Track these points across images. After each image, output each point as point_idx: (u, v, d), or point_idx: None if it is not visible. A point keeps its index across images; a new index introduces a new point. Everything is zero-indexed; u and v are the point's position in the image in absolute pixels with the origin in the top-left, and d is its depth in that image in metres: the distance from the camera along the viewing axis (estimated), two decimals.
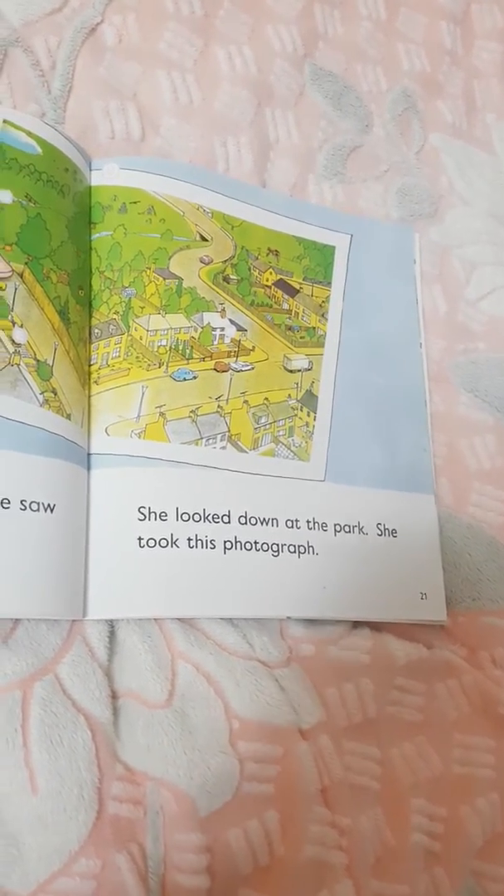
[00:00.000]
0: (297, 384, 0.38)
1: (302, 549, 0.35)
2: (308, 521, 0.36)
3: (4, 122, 0.33)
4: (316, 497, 0.37)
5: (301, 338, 0.39)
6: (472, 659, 0.38)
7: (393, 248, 0.44)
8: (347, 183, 0.45)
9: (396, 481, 0.39)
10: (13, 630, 0.30)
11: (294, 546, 0.35)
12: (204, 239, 0.38)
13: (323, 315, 0.40)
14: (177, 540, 0.33)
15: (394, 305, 0.43)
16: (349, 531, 0.37)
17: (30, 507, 0.29)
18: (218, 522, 0.34)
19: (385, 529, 0.38)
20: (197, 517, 0.33)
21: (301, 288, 0.40)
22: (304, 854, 0.31)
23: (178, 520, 0.33)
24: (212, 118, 0.41)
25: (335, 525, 0.36)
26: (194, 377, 0.35)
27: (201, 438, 0.35)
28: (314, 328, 0.40)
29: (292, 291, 0.40)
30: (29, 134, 0.34)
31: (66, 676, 0.30)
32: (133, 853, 0.29)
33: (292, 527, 0.35)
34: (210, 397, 0.35)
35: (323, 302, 0.40)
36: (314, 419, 0.38)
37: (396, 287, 0.43)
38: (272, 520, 0.35)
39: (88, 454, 0.33)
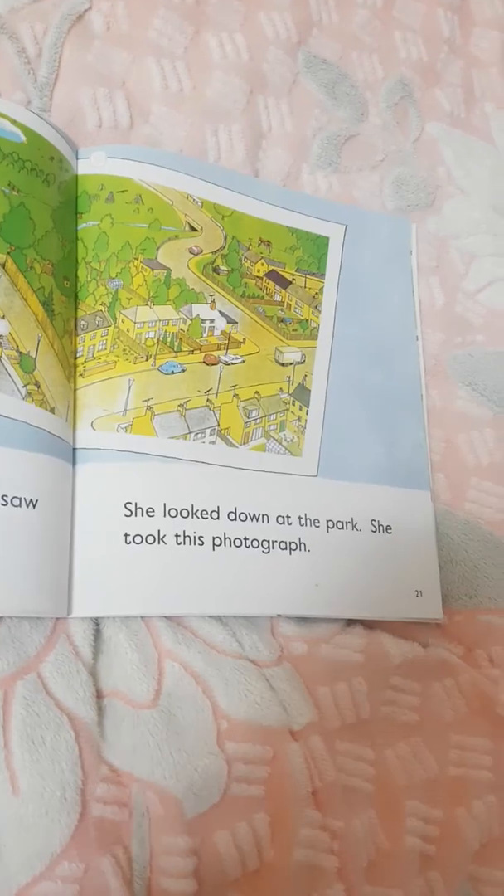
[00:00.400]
0: (289, 378, 0.37)
1: (293, 546, 0.34)
2: (300, 517, 0.35)
3: None
4: (308, 493, 0.36)
5: (293, 330, 0.38)
6: (469, 658, 0.38)
7: (389, 240, 0.43)
8: (342, 172, 0.44)
9: (392, 477, 0.38)
10: None
11: (285, 542, 0.34)
12: (193, 229, 0.37)
13: (316, 307, 0.39)
14: (164, 536, 0.32)
15: (389, 298, 0.42)
16: (342, 527, 0.36)
17: (11, 502, 0.29)
18: (207, 518, 0.33)
19: (379, 526, 0.37)
20: (185, 513, 0.33)
21: (293, 279, 0.39)
22: (295, 858, 0.30)
23: (165, 516, 0.32)
24: (203, 106, 0.40)
25: (328, 521, 0.36)
26: (183, 370, 0.35)
27: (190, 433, 0.34)
28: (307, 320, 0.39)
29: (284, 283, 0.39)
30: (13, 122, 0.33)
31: (49, 675, 0.29)
32: (118, 856, 0.28)
33: (283, 523, 0.35)
34: (199, 391, 0.35)
35: (316, 294, 0.40)
36: (306, 413, 0.37)
37: (392, 279, 0.43)
38: (262, 516, 0.34)
39: (73, 449, 0.32)
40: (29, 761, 0.28)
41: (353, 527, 0.36)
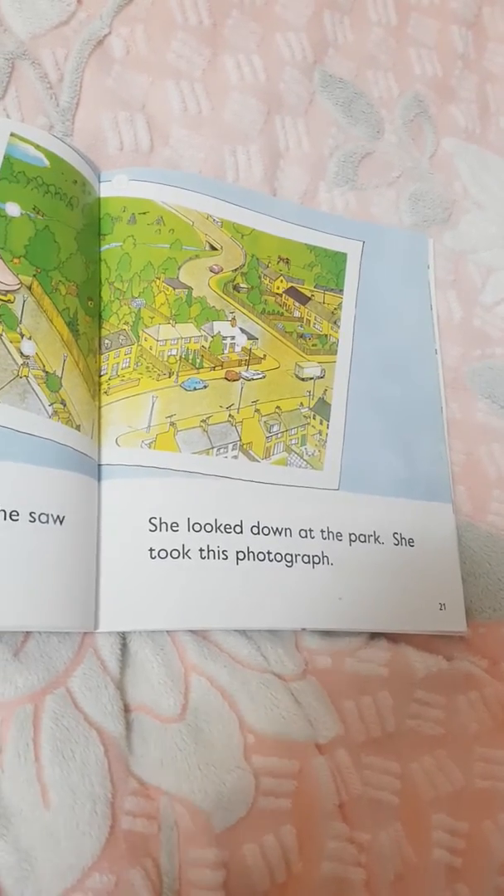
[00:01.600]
0: (310, 392, 0.38)
1: (316, 560, 0.35)
2: (322, 531, 0.35)
3: (12, 135, 0.33)
4: (330, 506, 0.36)
5: (313, 345, 0.39)
6: (494, 671, 0.38)
7: (406, 255, 0.44)
8: (359, 190, 0.44)
9: (413, 490, 0.38)
10: (24, 643, 0.30)
11: (308, 556, 0.35)
12: (213, 248, 0.38)
13: (335, 322, 0.40)
14: (188, 551, 0.32)
15: (408, 312, 0.42)
16: (365, 541, 0.36)
17: (39, 519, 0.29)
18: (230, 533, 0.33)
19: (402, 539, 0.37)
20: (209, 528, 0.33)
21: (312, 295, 0.40)
22: (322, 870, 0.31)
23: (189, 530, 0.33)
24: (221, 128, 0.41)
25: (350, 534, 0.36)
26: (205, 386, 0.35)
27: (212, 448, 0.34)
28: (326, 336, 0.39)
29: (303, 299, 0.39)
30: (37, 147, 0.34)
31: (77, 690, 0.30)
32: (147, 869, 0.28)
33: (306, 536, 0.35)
34: (221, 406, 0.35)
35: (335, 309, 0.40)
36: (327, 427, 0.37)
37: (410, 293, 0.43)
38: (285, 529, 0.34)
39: (99, 465, 0.33)
40: (59, 775, 0.28)
41: (376, 540, 0.36)
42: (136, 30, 0.40)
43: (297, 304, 0.39)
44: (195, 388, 0.35)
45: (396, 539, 0.37)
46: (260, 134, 0.42)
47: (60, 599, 0.29)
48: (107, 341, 0.34)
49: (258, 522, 0.34)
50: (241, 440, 0.35)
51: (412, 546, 0.37)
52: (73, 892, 0.27)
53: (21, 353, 0.31)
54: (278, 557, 0.34)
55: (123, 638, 0.32)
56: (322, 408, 0.38)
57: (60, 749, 0.29)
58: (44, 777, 0.28)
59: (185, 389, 0.35)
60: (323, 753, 0.32)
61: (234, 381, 0.36)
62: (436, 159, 0.47)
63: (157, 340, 0.35)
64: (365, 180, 0.45)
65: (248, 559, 0.33)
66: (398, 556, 0.37)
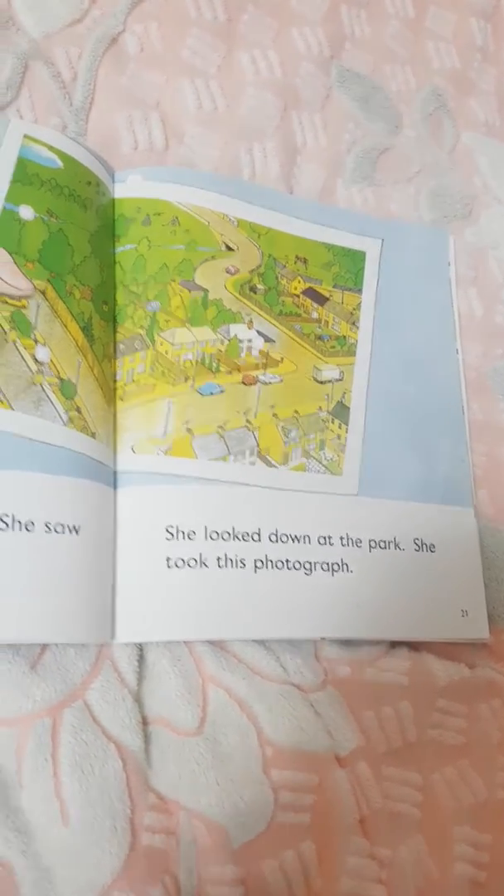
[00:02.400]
0: (328, 395, 0.37)
1: (336, 567, 0.34)
2: (342, 538, 0.35)
3: (25, 136, 0.33)
4: (349, 512, 0.35)
5: (331, 347, 0.38)
6: None
7: (427, 252, 0.43)
8: (378, 186, 0.43)
9: (433, 494, 0.38)
10: (41, 655, 0.30)
11: (327, 564, 0.34)
12: (230, 249, 0.37)
13: (354, 323, 0.39)
14: (206, 560, 0.32)
15: (428, 311, 0.41)
16: (385, 547, 0.35)
17: (55, 529, 0.29)
18: (248, 541, 0.33)
19: (422, 544, 0.36)
20: (226, 536, 0.32)
21: (331, 296, 0.39)
22: (342, 887, 0.30)
23: (206, 539, 0.32)
24: (237, 125, 0.40)
25: (370, 541, 0.35)
26: (221, 391, 0.34)
27: (229, 454, 0.34)
28: (345, 337, 0.39)
29: (321, 300, 0.39)
30: (50, 148, 0.33)
31: (95, 703, 0.29)
32: (167, 886, 0.28)
33: (325, 543, 0.34)
34: (238, 411, 0.35)
35: (354, 309, 0.39)
36: (346, 431, 0.37)
37: (431, 291, 0.42)
38: (304, 537, 0.34)
39: (114, 472, 0.32)
40: (78, 791, 0.28)
41: (396, 546, 0.36)
42: (151, 27, 0.39)
43: (314, 304, 0.38)
44: (211, 393, 0.34)
45: (417, 545, 0.36)
46: (276, 130, 0.41)
47: (77, 611, 0.29)
48: (122, 346, 0.34)
49: (276, 530, 0.33)
50: (258, 446, 0.34)
51: (433, 552, 0.37)
52: None
53: (35, 360, 0.30)
54: (297, 565, 0.33)
55: (141, 649, 0.31)
56: (341, 411, 0.37)
57: (80, 764, 0.28)
58: (63, 793, 0.28)
59: (202, 394, 0.34)
60: (343, 766, 0.32)
61: (251, 385, 0.35)
62: (455, 154, 0.46)
63: (173, 344, 0.34)
64: (383, 176, 0.44)
65: (267, 567, 0.33)
66: (419, 562, 0.36)
